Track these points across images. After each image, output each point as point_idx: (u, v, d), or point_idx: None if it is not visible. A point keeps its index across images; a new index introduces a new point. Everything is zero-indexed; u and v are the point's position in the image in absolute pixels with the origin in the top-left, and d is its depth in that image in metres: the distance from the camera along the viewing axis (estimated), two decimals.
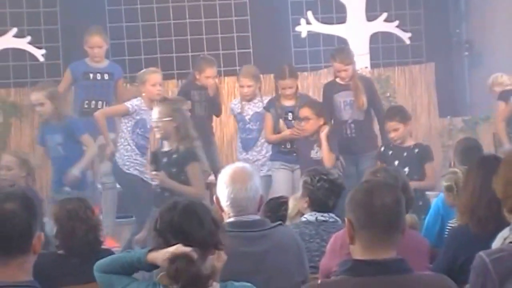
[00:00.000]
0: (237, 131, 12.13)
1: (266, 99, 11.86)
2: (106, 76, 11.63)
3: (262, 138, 11.60)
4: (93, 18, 14.10)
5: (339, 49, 12.14)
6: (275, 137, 11.44)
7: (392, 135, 10.45)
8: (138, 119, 11.59)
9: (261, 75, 13.84)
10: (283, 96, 11.62)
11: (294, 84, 11.65)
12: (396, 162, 10.24)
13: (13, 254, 4.10)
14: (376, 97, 11.88)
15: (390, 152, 10.38)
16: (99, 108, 11.79)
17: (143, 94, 11.70)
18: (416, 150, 10.24)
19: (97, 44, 11.85)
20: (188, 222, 4.63)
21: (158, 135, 10.34)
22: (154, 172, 9.93)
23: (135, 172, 11.58)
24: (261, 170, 11.19)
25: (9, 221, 4.09)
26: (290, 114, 11.49)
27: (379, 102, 11.94)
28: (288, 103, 11.58)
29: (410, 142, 10.49)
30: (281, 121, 11.48)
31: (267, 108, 11.75)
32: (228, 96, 14.01)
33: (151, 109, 11.21)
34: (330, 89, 11.58)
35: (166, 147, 10.02)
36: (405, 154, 10.26)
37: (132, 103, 11.80)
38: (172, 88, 13.78)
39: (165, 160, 9.90)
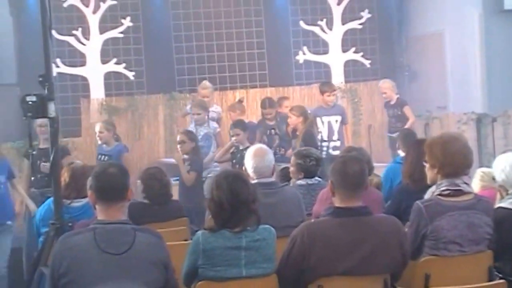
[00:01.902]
0: None
1: (212, 124, 10.92)
2: (106, 158, 10.23)
3: (211, 152, 10.64)
4: (165, 51, 14.13)
5: (295, 106, 11.09)
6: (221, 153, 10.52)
7: (234, 138, 10.04)
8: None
9: (270, 88, 13.96)
10: (266, 119, 11.29)
11: (273, 111, 11.27)
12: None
13: (114, 201, 4.18)
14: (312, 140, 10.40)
15: (238, 155, 9.96)
16: None
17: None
18: (245, 152, 9.83)
19: (99, 130, 10.41)
20: (240, 186, 4.58)
21: (43, 137, 9.48)
22: (45, 164, 9.04)
23: None
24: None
25: (112, 179, 4.19)
26: (272, 130, 11.11)
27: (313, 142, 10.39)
28: (270, 123, 11.25)
29: (245, 145, 9.86)
30: (264, 136, 11.12)
31: (257, 126, 11.44)
32: (253, 101, 13.99)
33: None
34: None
35: (44, 145, 9.32)
36: (243, 153, 9.80)
37: (189, 107, 11.70)
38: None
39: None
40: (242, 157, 9.57)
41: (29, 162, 9.50)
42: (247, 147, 9.75)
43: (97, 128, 10.43)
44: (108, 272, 4.02)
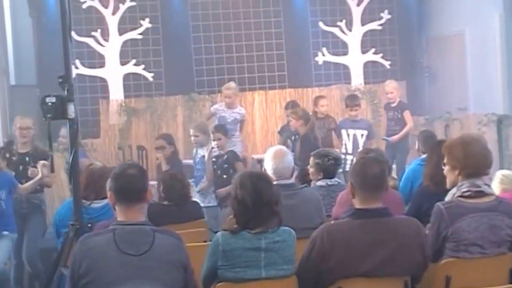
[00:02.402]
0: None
1: (211, 147, 9.89)
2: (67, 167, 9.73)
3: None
4: (184, 52, 14.16)
5: (295, 109, 11.11)
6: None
7: (216, 142, 9.76)
8: (219, 116, 11.27)
9: (289, 89, 13.91)
10: (290, 124, 10.89)
11: None
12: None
13: (134, 202, 4.18)
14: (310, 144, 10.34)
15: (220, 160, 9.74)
16: None
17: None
18: (226, 156, 9.66)
19: (61, 134, 9.87)
20: (264, 186, 4.60)
21: (23, 140, 8.72)
22: (33, 168, 8.41)
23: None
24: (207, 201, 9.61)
25: (132, 180, 4.20)
26: (297, 135, 10.59)
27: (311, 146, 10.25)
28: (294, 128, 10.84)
29: (226, 150, 9.77)
30: (288, 140, 10.80)
31: (280, 132, 11.42)
32: (272, 102, 13.98)
33: (229, 109, 11.30)
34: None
35: (24, 149, 8.70)
36: (224, 157, 9.64)
37: (213, 107, 11.71)
38: None
39: (27, 158, 8.66)
40: (224, 162, 9.56)
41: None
42: (229, 151, 9.76)
43: (61, 132, 9.96)
44: (127, 273, 4.02)
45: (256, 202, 4.51)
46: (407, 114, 12.23)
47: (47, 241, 8.64)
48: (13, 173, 8.57)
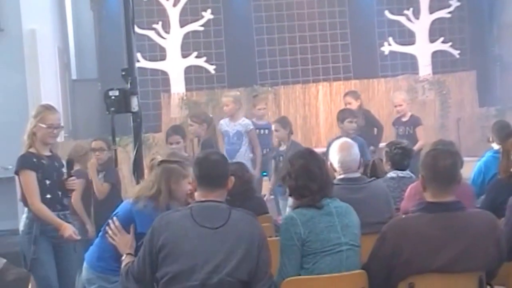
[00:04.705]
0: None
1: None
2: None
3: None
4: (246, 44, 14.21)
5: (196, 112, 10.21)
6: None
7: (173, 146, 8.52)
8: (223, 131, 10.24)
9: (354, 80, 13.82)
10: (192, 129, 9.50)
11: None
12: None
13: (215, 187, 4.42)
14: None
15: None
16: None
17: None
18: None
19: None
20: (314, 165, 4.69)
21: (52, 141, 6.51)
22: (73, 179, 6.62)
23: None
24: None
25: (215, 165, 4.45)
26: (280, 156, 9.43)
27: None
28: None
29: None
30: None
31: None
32: (336, 94, 13.88)
33: (232, 121, 10.22)
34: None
35: (47, 151, 6.39)
36: None
37: (220, 122, 10.41)
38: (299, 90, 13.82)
39: (56, 164, 6.55)
40: None
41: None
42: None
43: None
44: (203, 244, 4.21)
45: (321, 167, 4.68)
46: (420, 130, 10.89)
47: None
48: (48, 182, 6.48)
